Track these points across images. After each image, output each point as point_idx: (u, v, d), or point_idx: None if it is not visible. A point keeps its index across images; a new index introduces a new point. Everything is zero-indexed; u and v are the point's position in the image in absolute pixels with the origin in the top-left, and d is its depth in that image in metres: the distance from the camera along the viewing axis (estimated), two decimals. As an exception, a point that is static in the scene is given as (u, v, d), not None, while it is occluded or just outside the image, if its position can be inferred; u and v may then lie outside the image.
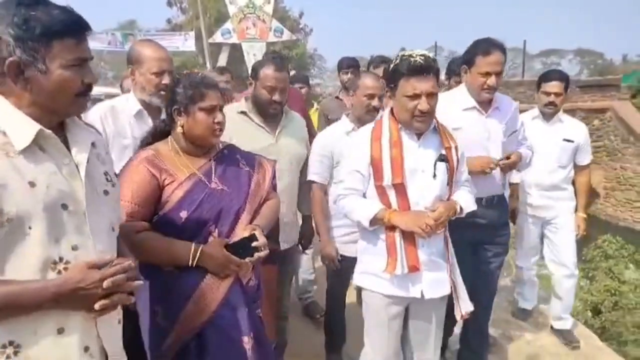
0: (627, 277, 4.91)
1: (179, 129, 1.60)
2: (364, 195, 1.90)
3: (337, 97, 3.74)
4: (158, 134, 1.70)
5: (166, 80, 1.98)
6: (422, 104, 1.72)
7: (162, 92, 1.94)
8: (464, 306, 1.97)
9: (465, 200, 1.91)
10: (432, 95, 1.73)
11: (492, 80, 2.21)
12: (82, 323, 1.07)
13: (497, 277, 2.60)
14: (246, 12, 9.20)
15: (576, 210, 3.19)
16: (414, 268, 1.79)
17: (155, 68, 1.97)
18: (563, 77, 3.02)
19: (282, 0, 20.32)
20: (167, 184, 1.55)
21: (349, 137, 2.34)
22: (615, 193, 11.25)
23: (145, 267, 1.47)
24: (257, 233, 1.57)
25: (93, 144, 1.16)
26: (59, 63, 1.01)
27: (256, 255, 1.55)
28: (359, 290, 2.10)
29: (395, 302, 1.90)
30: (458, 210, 1.86)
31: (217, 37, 9.82)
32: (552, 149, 3.03)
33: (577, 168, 3.16)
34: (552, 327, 3.30)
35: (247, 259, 1.54)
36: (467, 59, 2.31)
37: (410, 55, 1.73)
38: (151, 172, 1.54)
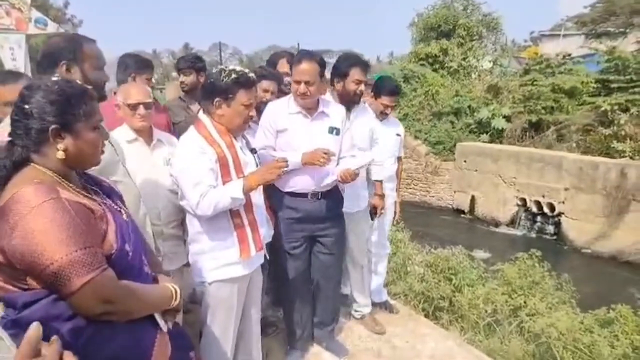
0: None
1: (59, 154, 1.21)
2: None
3: (180, 98, 3.30)
4: (15, 165, 1.20)
5: None
6: (252, 111, 2.04)
7: None
8: None
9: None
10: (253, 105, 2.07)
11: (300, 88, 2.40)
12: None
13: (338, 266, 2.83)
14: (-5, -2, 7.82)
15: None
16: (260, 248, 2.08)
17: None
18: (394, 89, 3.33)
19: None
20: (97, 217, 1.23)
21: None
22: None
23: (95, 331, 1.18)
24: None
25: None
26: None
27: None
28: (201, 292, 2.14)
29: (244, 281, 2.12)
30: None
31: (-45, 25, 8.09)
32: (390, 144, 3.32)
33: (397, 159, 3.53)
34: (372, 302, 3.43)
35: None
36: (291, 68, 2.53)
37: (245, 72, 2.00)
38: (86, 205, 1.20)
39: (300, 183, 2.53)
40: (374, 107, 3.20)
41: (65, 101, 1.21)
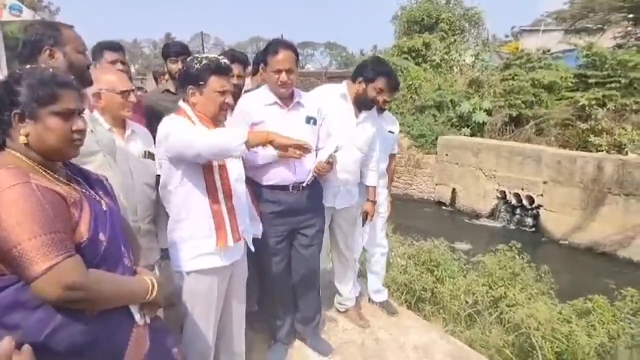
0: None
1: (21, 139, 1.22)
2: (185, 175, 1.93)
3: (167, 90, 3.11)
4: None
5: None
6: (229, 98, 2.00)
7: None
8: None
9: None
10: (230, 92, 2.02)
11: (282, 77, 2.37)
12: None
13: (318, 259, 2.80)
14: (-35, -17, 7.50)
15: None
16: (238, 238, 2.03)
17: None
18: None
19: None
20: (71, 205, 1.21)
21: None
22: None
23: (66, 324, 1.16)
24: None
25: None
26: None
27: None
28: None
29: (224, 274, 2.07)
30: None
31: None
32: (382, 140, 3.17)
33: (390, 156, 3.44)
34: (370, 300, 3.50)
35: None
36: (263, 60, 2.49)
37: (217, 58, 1.96)
38: (57, 192, 1.18)
39: (280, 175, 2.49)
40: None
41: (28, 86, 1.22)
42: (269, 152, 2.41)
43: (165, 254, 2.27)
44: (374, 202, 3.10)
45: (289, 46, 2.42)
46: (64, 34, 1.75)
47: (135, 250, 1.50)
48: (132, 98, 2.14)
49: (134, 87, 2.21)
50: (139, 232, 2.09)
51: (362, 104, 2.86)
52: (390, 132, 3.34)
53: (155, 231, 2.31)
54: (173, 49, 3.20)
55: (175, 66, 3.09)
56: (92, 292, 1.16)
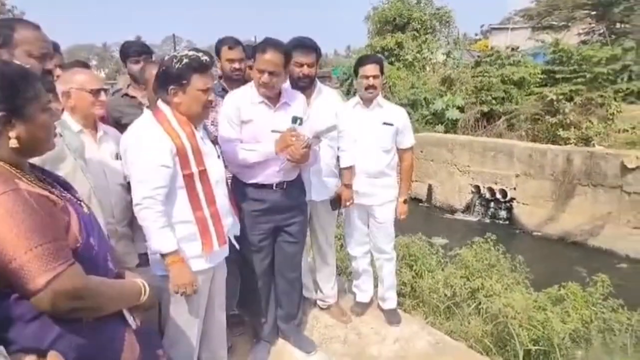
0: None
1: (12, 142, 1.12)
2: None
3: (126, 95, 2.90)
4: None
5: None
6: (212, 97, 1.96)
7: None
8: None
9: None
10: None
11: (264, 78, 2.31)
12: None
13: (301, 256, 2.81)
14: None
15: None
16: (223, 242, 2.02)
17: None
18: (377, 60, 3.02)
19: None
20: (60, 209, 1.16)
21: None
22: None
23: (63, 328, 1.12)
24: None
25: None
26: None
27: None
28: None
29: (208, 274, 2.05)
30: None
31: None
32: (374, 134, 3.01)
33: (400, 152, 3.17)
34: (379, 307, 3.40)
35: None
36: (253, 56, 2.43)
37: (197, 55, 1.89)
38: (45, 196, 1.12)
39: (265, 174, 2.47)
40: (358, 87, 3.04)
41: (10, 85, 1.12)
42: (264, 150, 2.38)
43: (143, 260, 2.21)
44: (349, 186, 2.92)
45: (279, 47, 2.34)
46: (19, 34, 1.59)
47: (113, 253, 1.48)
48: (102, 97, 2.11)
49: (104, 87, 2.17)
50: (116, 235, 2.05)
51: (296, 85, 2.71)
52: (386, 124, 3.05)
53: (132, 235, 2.27)
54: (133, 49, 3.03)
55: (137, 67, 2.85)
56: (93, 299, 1.15)
